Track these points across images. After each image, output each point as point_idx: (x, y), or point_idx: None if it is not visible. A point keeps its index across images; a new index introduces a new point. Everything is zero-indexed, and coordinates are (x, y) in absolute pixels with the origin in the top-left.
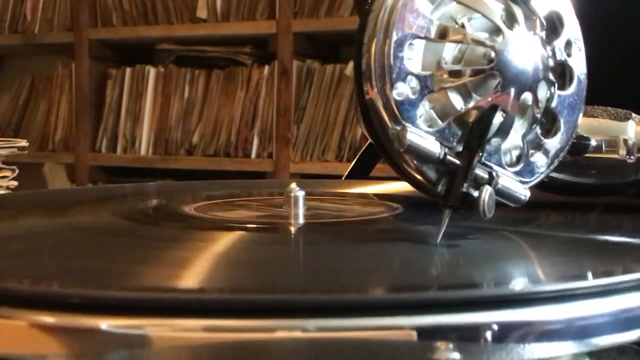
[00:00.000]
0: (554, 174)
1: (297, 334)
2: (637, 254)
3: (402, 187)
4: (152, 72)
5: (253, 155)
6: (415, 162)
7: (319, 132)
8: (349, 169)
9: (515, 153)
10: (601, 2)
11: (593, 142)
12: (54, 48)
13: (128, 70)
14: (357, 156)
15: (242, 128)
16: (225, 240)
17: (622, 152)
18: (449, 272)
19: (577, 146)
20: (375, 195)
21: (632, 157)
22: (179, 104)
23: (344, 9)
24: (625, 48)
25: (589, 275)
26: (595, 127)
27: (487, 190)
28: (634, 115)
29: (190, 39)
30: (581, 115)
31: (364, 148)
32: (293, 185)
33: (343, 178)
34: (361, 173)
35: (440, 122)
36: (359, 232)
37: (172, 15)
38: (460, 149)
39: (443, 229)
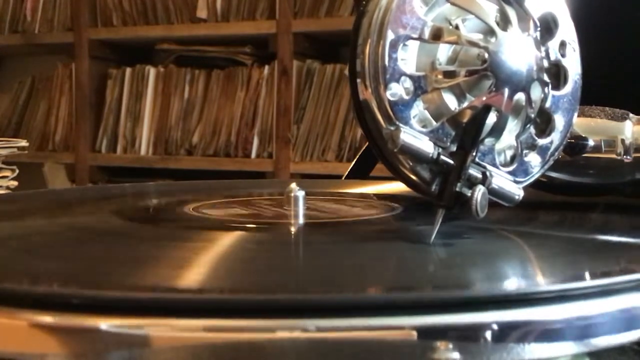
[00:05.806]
0: (553, 174)
1: (297, 334)
2: (637, 254)
3: (401, 187)
4: (152, 72)
5: (253, 155)
6: (409, 162)
7: (319, 132)
8: (349, 169)
9: (509, 153)
10: (597, 2)
11: (591, 142)
12: (54, 48)
13: (128, 70)
14: (357, 156)
15: (242, 128)
16: (225, 240)
17: (620, 151)
18: (449, 272)
19: (575, 146)
20: (375, 195)
21: (629, 157)
22: (179, 104)
23: (344, 9)
24: (623, 48)
25: (589, 275)
26: (593, 127)
27: (480, 190)
28: (631, 115)
29: (190, 39)
30: (576, 115)
31: (363, 148)
32: (293, 185)
33: (343, 178)
34: (361, 173)
35: (434, 123)
36: (359, 232)
37: (172, 15)
38: (454, 149)
39: (436, 229)
